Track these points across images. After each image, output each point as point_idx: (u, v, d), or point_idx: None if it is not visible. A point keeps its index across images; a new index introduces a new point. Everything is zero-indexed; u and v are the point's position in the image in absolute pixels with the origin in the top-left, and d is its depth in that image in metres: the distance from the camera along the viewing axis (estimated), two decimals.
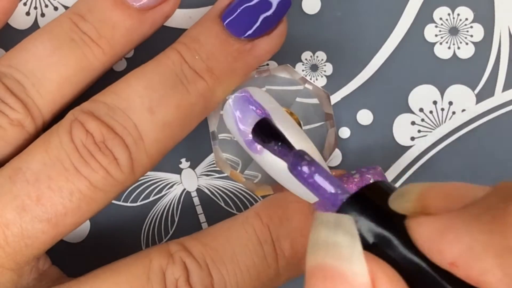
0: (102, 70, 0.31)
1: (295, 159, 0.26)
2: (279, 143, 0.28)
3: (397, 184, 0.36)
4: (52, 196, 0.29)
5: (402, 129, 0.35)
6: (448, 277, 0.21)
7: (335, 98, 0.35)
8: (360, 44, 0.35)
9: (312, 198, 0.29)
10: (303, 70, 0.35)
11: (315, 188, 0.25)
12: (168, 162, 0.35)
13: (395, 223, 0.22)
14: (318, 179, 0.25)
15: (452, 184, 0.21)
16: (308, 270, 0.21)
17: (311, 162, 0.25)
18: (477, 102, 0.35)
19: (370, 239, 0.22)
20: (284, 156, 0.28)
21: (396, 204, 0.22)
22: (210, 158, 0.35)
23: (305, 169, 0.25)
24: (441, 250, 0.20)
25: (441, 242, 0.20)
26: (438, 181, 0.35)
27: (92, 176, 0.29)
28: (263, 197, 0.35)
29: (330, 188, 0.25)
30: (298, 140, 0.29)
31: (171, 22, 0.35)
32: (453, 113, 0.35)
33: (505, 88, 0.35)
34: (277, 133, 0.29)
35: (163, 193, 0.35)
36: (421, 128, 0.35)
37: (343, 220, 0.21)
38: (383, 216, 0.22)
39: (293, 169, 0.26)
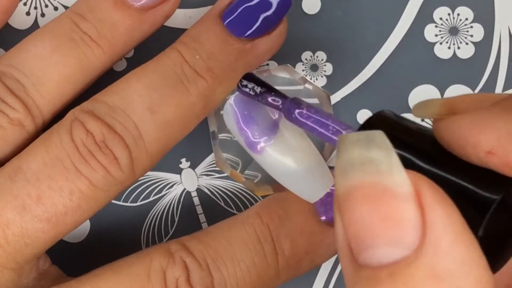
0: (102, 69, 0.31)
1: (293, 104, 0.26)
2: (272, 93, 0.28)
3: None
4: (53, 196, 0.29)
5: None
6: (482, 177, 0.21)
7: (335, 98, 0.35)
8: (360, 44, 0.35)
9: (312, 197, 0.30)
10: (303, 70, 0.35)
11: (319, 125, 0.25)
12: (168, 162, 0.35)
13: (421, 134, 0.22)
14: (320, 116, 0.25)
15: (475, 93, 0.21)
16: (340, 196, 0.19)
17: (309, 105, 0.25)
18: None
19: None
20: (280, 104, 0.28)
21: (421, 111, 0.22)
22: (210, 158, 0.35)
23: (304, 110, 0.25)
24: (476, 142, 0.20)
25: (477, 133, 0.20)
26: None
27: (92, 175, 0.29)
28: (263, 197, 0.35)
29: (335, 124, 0.24)
30: (298, 140, 0.29)
31: (171, 22, 0.35)
32: None
33: (505, 88, 0.35)
34: (265, 84, 0.29)
35: (163, 193, 0.35)
36: None
37: (374, 135, 0.20)
38: (406, 132, 0.22)
39: (292, 112, 0.25)
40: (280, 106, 0.28)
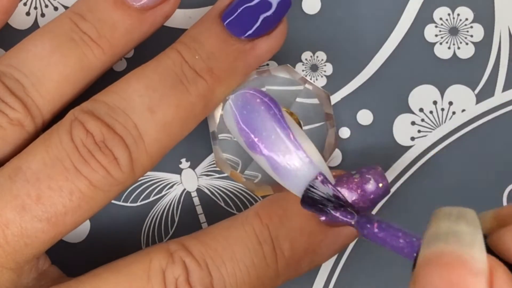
0: (102, 69, 0.31)
1: (364, 220, 0.26)
2: (341, 208, 0.28)
3: (397, 184, 0.36)
4: (52, 196, 0.29)
5: (402, 129, 0.35)
6: None
7: (335, 98, 0.35)
8: (360, 44, 0.35)
9: None
10: (303, 70, 0.35)
11: (389, 240, 0.25)
12: (168, 162, 0.35)
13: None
14: (391, 231, 0.25)
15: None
16: (421, 261, 0.20)
17: (380, 220, 0.26)
18: (477, 102, 0.35)
19: None
20: (348, 218, 0.28)
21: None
22: (210, 158, 0.35)
23: (376, 228, 0.26)
24: None
25: None
26: (439, 181, 0.35)
27: (92, 175, 0.29)
28: (263, 197, 0.35)
29: (405, 238, 0.25)
30: (298, 140, 0.29)
31: (171, 22, 0.35)
32: (453, 113, 0.35)
33: (505, 88, 0.35)
34: (330, 192, 0.29)
35: (163, 193, 0.35)
36: (421, 128, 0.35)
37: (466, 211, 0.21)
38: None
39: (364, 228, 0.26)
40: (352, 223, 0.28)
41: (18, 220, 0.28)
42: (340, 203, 0.29)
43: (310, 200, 0.29)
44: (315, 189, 0.28)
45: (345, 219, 0.28)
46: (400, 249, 0.25)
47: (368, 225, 0.26)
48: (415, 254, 0.24)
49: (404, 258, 0.35)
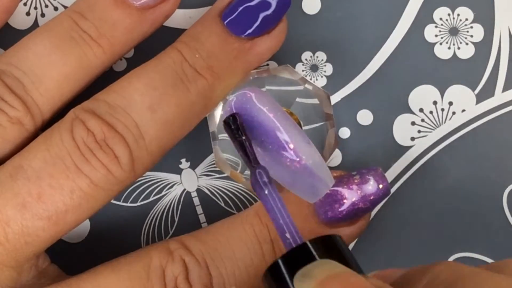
0: (102, 68, 0.31)
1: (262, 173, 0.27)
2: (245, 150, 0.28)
3: (397, 185, 0.36)
4: (53, 194, 0.29)
5: (402, 129, 0.35)
6: None
7: (335, 98, 0.35)
8: (360, 44, 0.35)
9: (312, 198, 0.30)
10: (303, 70, 0.35)
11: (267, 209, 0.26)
12: (168, 162, 0.35)
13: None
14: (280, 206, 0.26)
15: (355, 277, 0.22)
16: None
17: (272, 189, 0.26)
18: (477, 102, 0.36)
19: None
20: (248, 162, 0.28)
21: (298, 285, 0.23)
22: (210, 158, 0.35)
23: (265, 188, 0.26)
24: None
25: None
26: (439, 181, 0.35)
27: (93, 174, 0.29)
28: None
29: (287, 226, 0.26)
30: (299, 141, 0.29)
31: (171, 22, 0.35)
32: (453, 113, 0.35)
33: (505, 88, 0.35)
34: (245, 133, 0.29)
35: (163, 193, 0.35)
36: (421, 129, 0.35)
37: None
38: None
39: (258, 182, 0.26)
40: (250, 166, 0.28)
41: (19, 218, 0.28)
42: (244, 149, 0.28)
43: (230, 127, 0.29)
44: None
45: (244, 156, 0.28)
46: (277, 228, 0.26)
47: (261, 186, 0.27)
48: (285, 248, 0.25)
49: (404, 261, 0.35)
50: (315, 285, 0.22)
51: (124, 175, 0.29)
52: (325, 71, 0.35)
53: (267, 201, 0.26)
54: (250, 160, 0.28)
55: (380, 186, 0.31)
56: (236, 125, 0.28)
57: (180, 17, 0.35)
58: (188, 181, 0.35)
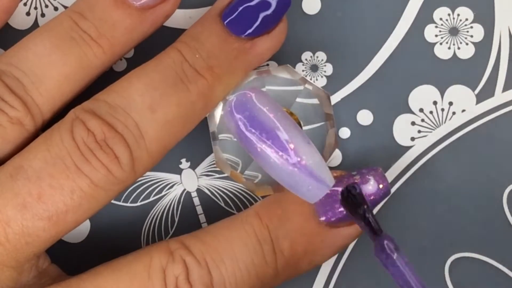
0: (102, 69, 0.31)
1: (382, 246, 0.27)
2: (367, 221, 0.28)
3: (397, 185, 0.36)
4: (53, 194, 0.29)
5: (402, 129, 0.35)
6: None
7: (335, 98, 0.35)
8: (360, 44, 0.35)
9: (312, 198, 0.30)
10: (303, 70, 0.35)
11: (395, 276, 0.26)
12: (168, 162, 0.35)
13: None
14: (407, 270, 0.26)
15: None
16: None
17: (400, 255, 0.26)
18: (477, 102, 0.36)
19: None
20: (371, 233, 0.28)
21: None
22: (210, 158, 0.35)
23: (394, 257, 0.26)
24: None
25: None
26: (439, 181, 0.35)
27: (93, 174, 0.29)
28: (263, 197, 0.35)
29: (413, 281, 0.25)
30: (299, 141, 0.29)
31: (171, 22, 0.35)
32: (453, 113, 0.35)
33: (505, 89, 0.35)
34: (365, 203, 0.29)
35: (163, 193, 0.35)
36: (421, 129, 0.35)
37: None
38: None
39: (379, 251, 0.26)
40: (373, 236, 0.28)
41: (19, 218, 0.28)
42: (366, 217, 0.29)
43: (349, 199, 0.29)
44: (355, 191, 0.28)
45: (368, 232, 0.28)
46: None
47: (387, 252, 0.27)
48: None
49: None
50: None
51: (125, 175, 0.29)
52: (325, 71, 0.35)
53: (397, 270, 0.26)
54: (374, 230, 0.28)
55: (380, 186, 0.31)
56: (358, 198, 0.28)
57: (180, 17, 0.35)
58: (188, 181, 0.35)
